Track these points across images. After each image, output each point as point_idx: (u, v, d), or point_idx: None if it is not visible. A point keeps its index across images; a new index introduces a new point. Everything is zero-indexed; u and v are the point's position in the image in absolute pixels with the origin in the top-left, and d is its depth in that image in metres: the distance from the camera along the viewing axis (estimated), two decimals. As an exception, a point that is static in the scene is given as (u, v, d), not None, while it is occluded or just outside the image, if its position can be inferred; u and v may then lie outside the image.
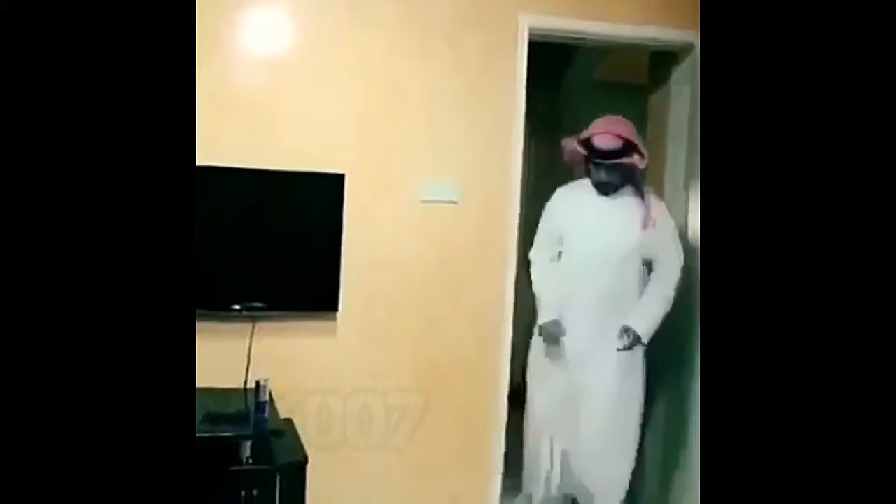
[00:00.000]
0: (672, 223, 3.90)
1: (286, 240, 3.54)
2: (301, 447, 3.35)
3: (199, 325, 3.53)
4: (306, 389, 3.70)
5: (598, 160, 3.71)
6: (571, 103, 6.41)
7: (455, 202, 3.94)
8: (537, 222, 4.04)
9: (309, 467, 3.25)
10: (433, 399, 3.97)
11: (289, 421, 3.55)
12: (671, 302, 3.79)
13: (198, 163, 3.36)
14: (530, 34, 4.06)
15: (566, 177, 4.13)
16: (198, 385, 3.47)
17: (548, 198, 4.02)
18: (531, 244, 4.04)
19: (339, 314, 3.77)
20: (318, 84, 3.77)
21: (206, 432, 3.09)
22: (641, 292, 3.81)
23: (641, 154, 3.72)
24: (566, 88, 6.55)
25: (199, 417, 3.19)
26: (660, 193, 4.18)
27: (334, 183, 3.63)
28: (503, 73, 4.04)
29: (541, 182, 6.22)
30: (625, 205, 3.82)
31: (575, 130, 3.87)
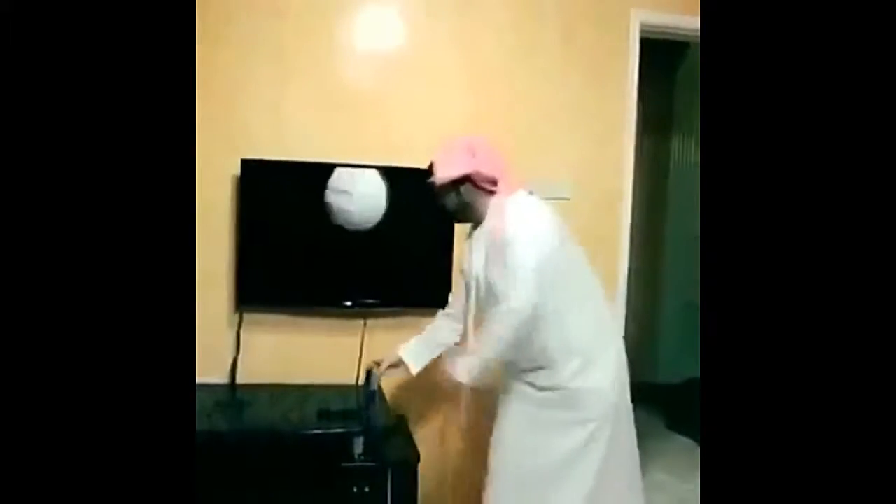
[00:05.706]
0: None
1: (398, 236, 3.54)
2: (413, 445, 3.36)
3: (311, 322, 3.68)
4: (418, 387, 3.71)
5: None
6: (684, 102, 6.33)
7: (567, 199, 3.90)
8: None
9: (421, 465, 3.26)
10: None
11: (401, 418, 3.56)
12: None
13: (309, 160, 3.48)
14: (642, 31, 4.02)
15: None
16: (310, 381, 3.57)
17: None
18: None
19: (451, 311, 3.75)
20: (430, 81, 3.79)
21: (317, 428, 3.13)
22: None
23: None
24: (679, 87, 6.44)
25: (311, 413, 3.24)
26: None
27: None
28: (615, 71, 3.99)
29: (653, 181, 6.25)
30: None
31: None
